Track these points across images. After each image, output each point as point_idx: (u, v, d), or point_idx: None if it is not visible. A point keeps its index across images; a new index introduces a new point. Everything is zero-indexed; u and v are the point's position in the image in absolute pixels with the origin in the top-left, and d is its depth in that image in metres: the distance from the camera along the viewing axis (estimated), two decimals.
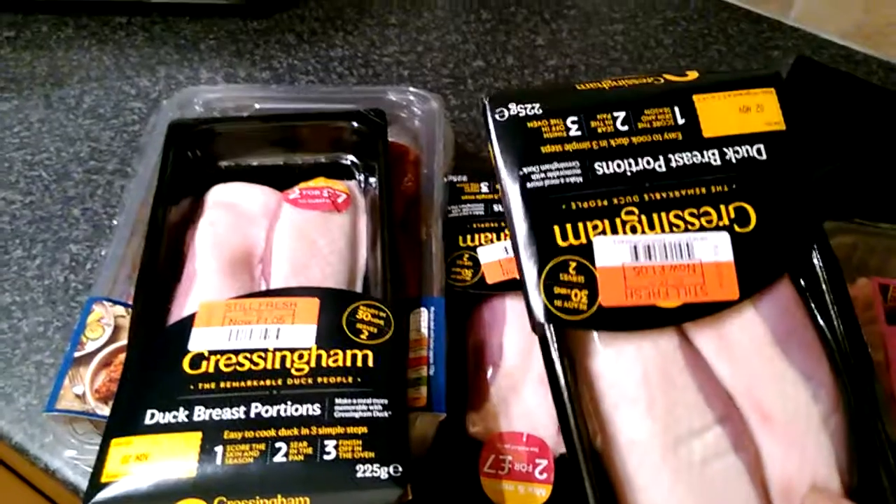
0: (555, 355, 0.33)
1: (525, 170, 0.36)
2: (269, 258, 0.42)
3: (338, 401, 0.35)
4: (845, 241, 0.46)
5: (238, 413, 0.34)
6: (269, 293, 0.40)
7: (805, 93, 0.65)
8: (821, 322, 0.35)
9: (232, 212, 0.45)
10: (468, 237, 0.47)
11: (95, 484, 0.32)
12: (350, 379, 0.36)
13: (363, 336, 0.38)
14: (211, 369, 0.36)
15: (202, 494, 0.32)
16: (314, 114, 0.50)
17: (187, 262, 0.43)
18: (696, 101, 0.38)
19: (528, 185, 0.36)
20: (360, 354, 0.37)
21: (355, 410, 0.35)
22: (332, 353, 0.36)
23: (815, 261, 0.36)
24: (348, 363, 0.36)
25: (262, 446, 0.33)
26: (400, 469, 0.33)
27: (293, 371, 0.36)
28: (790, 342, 0.34)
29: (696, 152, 0.37)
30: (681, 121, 0.37)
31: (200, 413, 0.34)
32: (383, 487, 0.32)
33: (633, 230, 0.35)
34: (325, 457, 0.33)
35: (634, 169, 0.36)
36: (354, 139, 0.49)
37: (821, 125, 0.62)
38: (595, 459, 0.32)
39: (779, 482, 0.33)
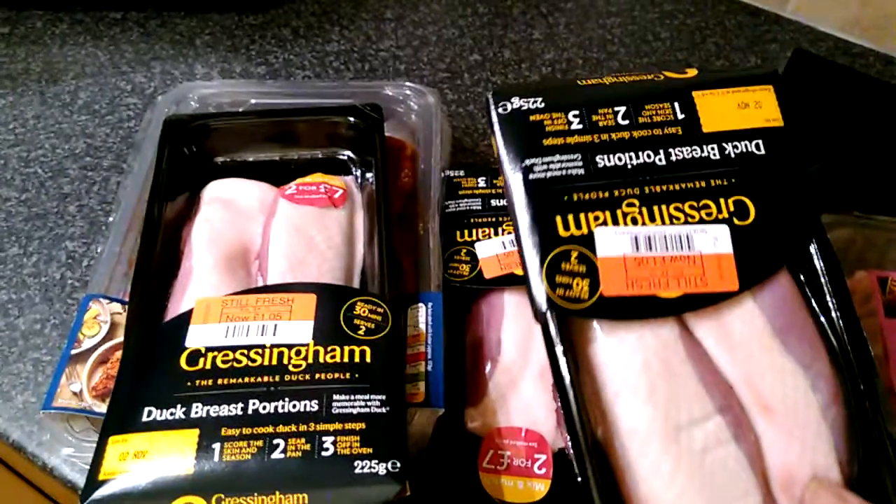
0: (557, 343, 0.33)
1: (528, 161, 0.36)
2: (266, 254, 0.42)
3: (335, 397, 0.35)
4: (843, 234, 0.46)
5: (235, 410, 0.34)
6: (266, 289, 0.40)
7: (803, 86, 0.65)
8: (819, 315, 0.35)
9: (228, 208, 0.45)
10: (466, 232, 0.47)
11: (93, 481, 0.32)
12: (348, 375, 0.36)
13: (361, 332, 0.37)
14: (208, 366, 0.35)
15: (200, 491, 0.32)
16: (310, 109, 0.50)
17: (184, 258, 0.43)
18: (695, 97, 0.38)
19: (531, 176, 0.36)
20: (357, 350, 0.37)
21: (353, 406, 0.34)
22: (329, 349, 0.36)
23: (814, 254, 0.36)
24: (346, 359, 0.36)
25: (260, 443, 0.33)
26: (398, 465, 0.33)
27: (290, 367, 0.36)
28: (789, 333, 0.35)
29: (695, 147, 0.37)
30: (681, 116, 0.38)
31: (198, 410, 0.34)
32: (382, 483, 0.32)
33: (634, 222, 0.35)
34: (323, 453, 0.33)
35: (635, 162, 0.36)
36: (351, 134, 0.49)
37: (819, 118, 0.62)
38: (596, 448, 0.33)
39: (779, 472, 0.33)
